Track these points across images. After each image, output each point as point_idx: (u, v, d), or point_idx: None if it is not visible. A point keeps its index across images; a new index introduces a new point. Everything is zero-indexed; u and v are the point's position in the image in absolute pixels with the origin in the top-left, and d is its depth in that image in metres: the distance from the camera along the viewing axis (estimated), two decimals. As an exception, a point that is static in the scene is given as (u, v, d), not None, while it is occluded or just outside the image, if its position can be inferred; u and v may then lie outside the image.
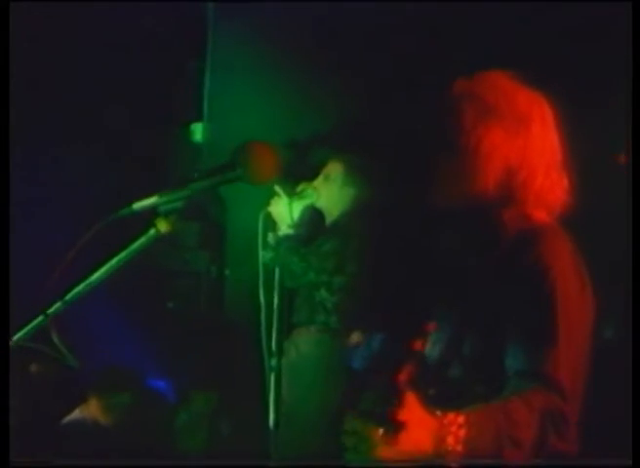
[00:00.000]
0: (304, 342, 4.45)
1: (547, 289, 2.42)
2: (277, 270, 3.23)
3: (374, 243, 4.29)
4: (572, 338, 2.41)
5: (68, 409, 4.48)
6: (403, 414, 2.19)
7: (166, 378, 5.10)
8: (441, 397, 2.45)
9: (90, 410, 4.45)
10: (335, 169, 4.59)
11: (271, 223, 4.23)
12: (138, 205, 2.43)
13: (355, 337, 3.35)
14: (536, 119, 2.56)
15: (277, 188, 4.31)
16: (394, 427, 2.19)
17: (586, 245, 2.58)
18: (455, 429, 2.23)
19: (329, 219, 4.54)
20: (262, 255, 3.54)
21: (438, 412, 2.24)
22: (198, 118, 5.65)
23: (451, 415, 2.24)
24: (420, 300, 2.67)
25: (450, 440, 2.22)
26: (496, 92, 2.55)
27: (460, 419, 2.23)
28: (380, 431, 2.21)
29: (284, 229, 4.35)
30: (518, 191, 2.54)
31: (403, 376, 2.32)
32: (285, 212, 4.38)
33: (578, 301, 2.46)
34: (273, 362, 2.97)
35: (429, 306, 2.62)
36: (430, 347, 2.56)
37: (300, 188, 4.50)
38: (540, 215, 2.57)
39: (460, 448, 2.22)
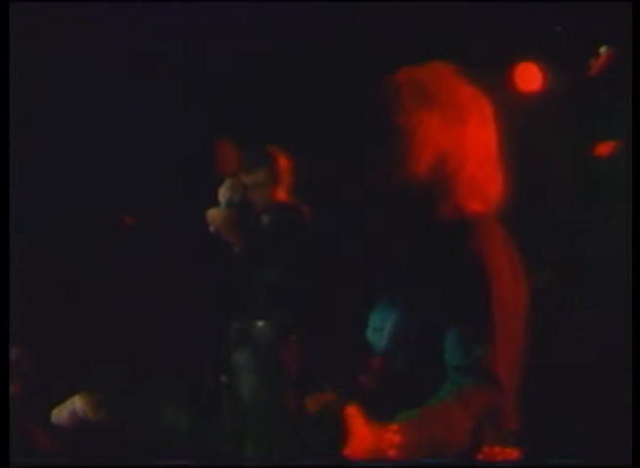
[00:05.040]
0: (261, 338, 4.46)
1: (482, 282, 2.46)
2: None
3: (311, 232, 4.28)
4: (508, 331, 2.46)
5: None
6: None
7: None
8: (387, 391, 2.50)
9: (78, 405, 4.49)
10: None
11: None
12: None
13: None
14: (473, 113, 2.62)
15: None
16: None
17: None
18: (390, 436, 2.27)
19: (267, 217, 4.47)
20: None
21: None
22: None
23: (387, 425, 2.28)
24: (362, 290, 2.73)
25: (385, 446, 2.26)
26: (439, 82, 2.64)
27: (395, 427, 2.27)
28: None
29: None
30: (449, 179, 2.59)
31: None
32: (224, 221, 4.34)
33: (512, 294, 2.51)
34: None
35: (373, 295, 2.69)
36: (377, 337, 2.62)
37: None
38: (475, 207, 2.60)
39: (393, 453, 2.26)
